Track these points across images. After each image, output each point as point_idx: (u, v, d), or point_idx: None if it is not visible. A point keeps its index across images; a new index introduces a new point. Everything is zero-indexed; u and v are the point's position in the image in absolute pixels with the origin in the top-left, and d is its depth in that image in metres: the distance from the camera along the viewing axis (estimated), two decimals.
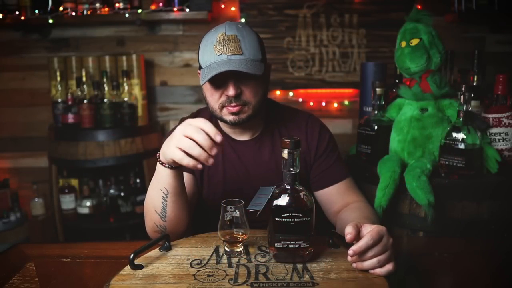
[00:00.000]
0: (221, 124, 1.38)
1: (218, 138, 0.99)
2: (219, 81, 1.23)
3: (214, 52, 1.22)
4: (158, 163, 1.10)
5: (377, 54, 2.72)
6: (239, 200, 1.03)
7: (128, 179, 2.65)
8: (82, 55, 2.70)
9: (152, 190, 1.14)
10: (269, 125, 1.40)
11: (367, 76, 1.85)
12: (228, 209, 1.01)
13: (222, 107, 1.27)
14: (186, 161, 0.99)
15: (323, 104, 2.80)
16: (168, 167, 1.08)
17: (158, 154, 1.10)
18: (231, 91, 1.22)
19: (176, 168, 1.08)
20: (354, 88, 2.74)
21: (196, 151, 0.97)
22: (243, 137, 1.38)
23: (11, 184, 2.73)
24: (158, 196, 1.12)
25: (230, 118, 1.27)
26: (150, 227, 1.17)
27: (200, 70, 1.30)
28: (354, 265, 0.95)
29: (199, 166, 1.00)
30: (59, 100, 2.54)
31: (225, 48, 1.21)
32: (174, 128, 1.07)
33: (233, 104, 1.24)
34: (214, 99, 1.27)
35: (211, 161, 0.99)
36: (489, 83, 1.70)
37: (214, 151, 0.98)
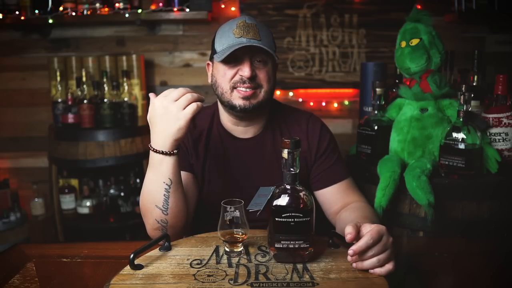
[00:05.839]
0: (223, 120, 1.37)
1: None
2: (234, 61, 1.25)
3: (233, 35, 1.24)
4: (161, 155, 1.10)
5: (377, 54, 2.72)
6: (239, 200, 1.03)
7: (128, 179, 2.65)
8: (82, 55, 2.70)
9: (151, 185, 1.14)
10: (270, 124, 1.40)
11: (367, 76, 1.85)
12: (228, 209, 1.01)
13: (234, 88, 1.26)
14: (197, 106, 1.08)
15: (323, 104, 2.80)
16: (174, 153, 1.10)
17: (155, 149, 1.10)
18: (246, 71, 1.23)
19: (177, 154, 1.11)
20: (354, 88, 2.75)
21: (195, 95, 1.09)
22: (245, 135, 1.38)
23: (11, 184, 2.73)
24: (160, 189, 1.12)
25: (240, 102, 1.26)
26: (151, 225, 1.17)
27: (211, 59, 1.32)
28: (354, 265, 0.94)
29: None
30: (59, 100, 2.54)
31: (244, 32, 1.24)
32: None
33: (246, 85, 1.25)
34: (226, 79, 1.27)
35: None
36: (489, 83, 1.70)
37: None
